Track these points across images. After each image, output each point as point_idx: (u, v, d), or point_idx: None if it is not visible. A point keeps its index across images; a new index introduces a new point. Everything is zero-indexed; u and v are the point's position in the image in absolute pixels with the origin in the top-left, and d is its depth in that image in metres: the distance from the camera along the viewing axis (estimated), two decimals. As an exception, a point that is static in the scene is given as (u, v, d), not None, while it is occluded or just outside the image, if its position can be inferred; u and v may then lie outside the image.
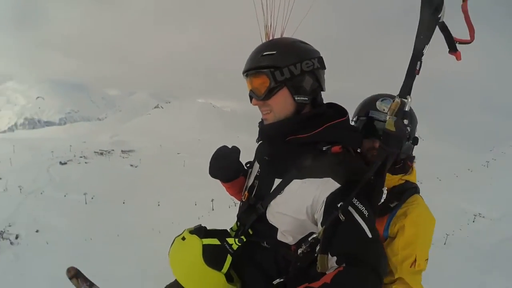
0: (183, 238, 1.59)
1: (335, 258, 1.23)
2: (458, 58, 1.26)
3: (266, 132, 1.57)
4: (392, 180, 1.89)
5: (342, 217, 1.24)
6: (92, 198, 51.61)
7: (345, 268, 1.18)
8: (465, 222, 23.16)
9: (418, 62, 1.24)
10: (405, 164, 1.94)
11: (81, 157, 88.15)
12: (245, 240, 1.56)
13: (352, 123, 2.02)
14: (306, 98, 1.46)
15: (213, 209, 40.54)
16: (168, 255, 1.60)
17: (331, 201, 1.31)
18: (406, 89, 1.28)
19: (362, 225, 1.25)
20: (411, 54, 1.26)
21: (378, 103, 1.85)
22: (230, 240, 1.55)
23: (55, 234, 33.70)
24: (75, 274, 1.77)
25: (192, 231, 1.60)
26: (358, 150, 1.94)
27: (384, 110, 1.84)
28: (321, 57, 1.51)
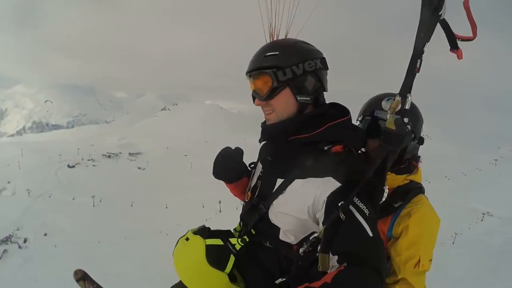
0: (187, 239, 1.59)
1: (336, 257, 1.22)
2: (460, 57, 1.25)
3: (269, 132, 1.55)
4: (396, 180, 1.85)
5: (342, 216, 1.23)
6: (100, 200, 51.96)
7: (346, 268, 1.17)
8: (474, 220, 23.05)
9: (419, 60, 1.23)
10: (410, 164, 1.90)
11: (89, 160, 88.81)
12: (247, 240, 1.55)
13: (357, 123, 2.01)
14: (308, 98, 1.44)
15: (220, 211, 40.66)
16: (172, 256, 1.59)
17: (332, 200, 1.29)
18: (406, 88, 1.27)
19: (363, 224, 1.24)
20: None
21: (383, 103, 1.81)
22: (233, 240, 1.55)
23: (63, 237, 34.00)
24: (82, 277, 1.77)
25: (196, 232, 1.59)
26: (363, 150, 1.94)
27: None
28: (324, 58, 1.50)
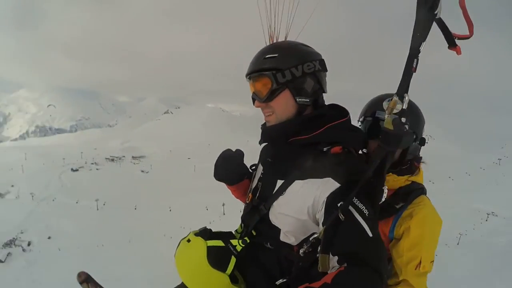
0: (188, 240, 1.60)
1: (336, 257, 1.23)
2: (458, 52, 1.26)
3: (269, 134, 1.57)
4: (398, 181, 1.85)
5: (341, 216, 1.24)
6: (104, 204, 52.06)
7: (346, 268, 1.18)
8: (478, 221, 22.96)
9: (415, 60, 1.24)
10: (412, 165, 1.89)
11: (92, 163, 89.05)
12: (248, 241, 1.56)
13: (359, 124, 2.02)
14: (308, 100, 1.45)
15: (224, 214, 40.67)
16: (174, 257, 1.60)
17: (332, 200, 1.30)
18: (403, 87, 1.28)
19: (363, 225, 1.24)
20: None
21: (384, 103, 1.81)
22: (234, 242, 1.56)
23: (67, 240, 34.06)
24: (85, 279, 1.78)
25: (197, 233, 1.61)
26: (365, 151, 1.94)
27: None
28: (323, 60, 1.51)
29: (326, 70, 1.51)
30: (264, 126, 1.58)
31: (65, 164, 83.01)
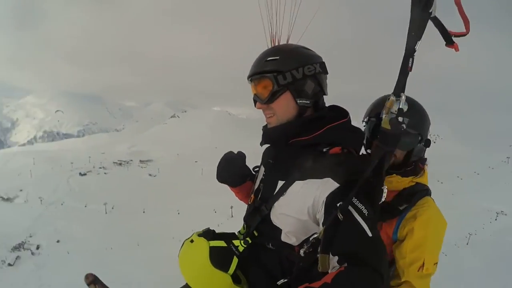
0: (192, 241, 1.63)
1: (336, 258, 1.24)
2: (456, 49, 1.27)
3: (270, 135, 1.59)
4: (402, 182, 1.86)
5: (341, 216, 1.25)
6: (112, 207, 52.20)
7: (346, 268, 1.19)
8: (488, 220, 22.74)
9: (410, 59, 1.25)
10: (416, 166, 1.91)
11: (100, 167, 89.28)
12: (250, 242, 1.59)
13: (363, 124, 2.03)
14: (308, 102, 1.48)
15: (232, 216, 40.59)
16: (178, 257, 1.63)
17: (331, 201, 1.32)
18: (399, 87, 1.29)
19: (362, 224, 1.25)
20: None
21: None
22: (236, 242, 1.59)
23: (76, 243, 34.21)
24: (93, 281, 1.81)
25: (200, 234, 1.64)
26: (369, 151, 1.95)
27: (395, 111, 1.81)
28: (323, 63, 1.53)
29: (326, 72, 1.53)
30: (265, 128, 1.61)
31: (73, 168, 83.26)
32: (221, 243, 1.57)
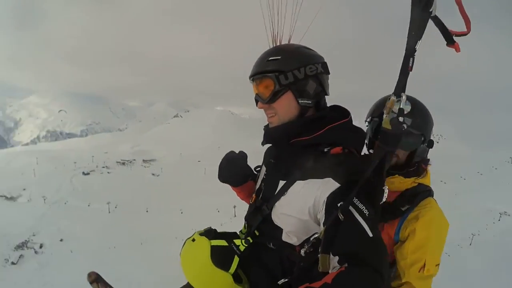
0: (193, 240, 1.64)
1: (337, 258, 1.23)
2: (457, 49, 1.26)
3: (271, 135, 1.58)
4: (405, 183, 1.85)
5: (341, 216, 1.24)
6: (115, 207, 52.32)
7: (347, 268, 1.18)
8: (491, 221, 22.66)
9: (411, 59, 1.24)
10: (419, 167, 1.90)
11: (103, 167, 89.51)
12: (251, 241, 1.59)
13: (366, 124, 2.03)
14: (310, 102, 1.47)
15: (235, 215, 40.60)
16: (180, 256, 1.64)
17: (332, 201, 1.31)
18: (400, 87, 1.28)
19: (363, 225, 1.24)
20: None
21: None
22: (237, 242, 1.59)
23: (79, 242, 34.31)
24: (95, 279, 1.81)
25: (202, 233, 1.65)
26: (371, 151, 1.94)
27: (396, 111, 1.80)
28: (325, 63, 1.53)
29: (328, 72, 1.53)
30: (266, 127, 1.60)
31: (77, 168, 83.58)
32: (223, 242, 1.57)
